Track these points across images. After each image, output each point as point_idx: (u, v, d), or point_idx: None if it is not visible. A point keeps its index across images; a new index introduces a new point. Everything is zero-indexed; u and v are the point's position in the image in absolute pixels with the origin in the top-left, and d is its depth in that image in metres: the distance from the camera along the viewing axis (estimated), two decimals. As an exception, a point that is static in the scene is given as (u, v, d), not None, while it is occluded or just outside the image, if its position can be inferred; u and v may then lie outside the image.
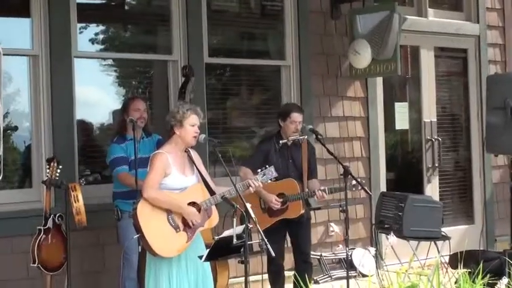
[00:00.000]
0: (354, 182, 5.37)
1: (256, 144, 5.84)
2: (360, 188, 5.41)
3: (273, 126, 6.83)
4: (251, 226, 4.29)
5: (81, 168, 5.73)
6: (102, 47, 6.26)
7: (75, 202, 4.90)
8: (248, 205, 4.31)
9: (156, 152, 4.57)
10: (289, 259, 5.73)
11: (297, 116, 5.47)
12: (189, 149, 4.64)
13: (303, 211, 5.43)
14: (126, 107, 5.33)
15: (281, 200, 5.39)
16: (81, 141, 5.83)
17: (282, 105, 6.28)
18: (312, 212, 5.89)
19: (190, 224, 4.44)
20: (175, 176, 4.49)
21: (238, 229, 4.24)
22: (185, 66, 5.78)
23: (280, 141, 5.48)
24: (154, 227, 4.37)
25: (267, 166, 4.72)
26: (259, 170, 4.71)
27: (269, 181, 4.76)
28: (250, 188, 4.63)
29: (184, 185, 4.52)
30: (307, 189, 5.47)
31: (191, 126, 4.52)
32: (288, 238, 5.63)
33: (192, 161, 4.62)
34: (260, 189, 5.25)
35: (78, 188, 4.96)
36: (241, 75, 6.95)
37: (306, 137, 5.54)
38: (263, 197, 5.41)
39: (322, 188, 5.41)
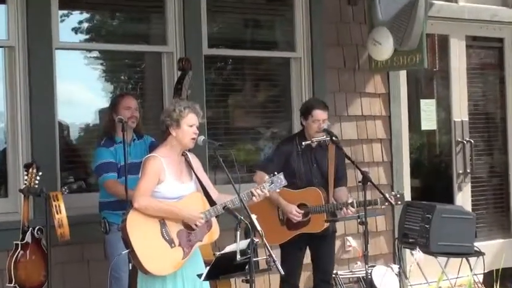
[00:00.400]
0: (386, 195, 5.29)
1: (276, 146, 5.83)
2: (386, 202, 5.33)
3: (281, 126, 6.86)
4: (257, 240, 4.30)
5: (63, 174, 5.75)
6: (87, 37, 6.28)
7: (57, 213, 4.91)
8: (253, 216, 4.32)
9: (149, 155, 4.59)
10: (303, 278, 5.73)
11: (319, 114, 5.44)
12: (187, 153, 4.66)
13: (327, 225, 5.41)
14: (114, 105, 5.35)
15: (302, 211, 5.39)
16: (63, 144, 5.84)
17: (304, 102, 6.25)
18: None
19: (194, 226, 4.46)
20: (170, 183, 4.50)
21: (243, 244, 4.25)
22: (181, 58, 5.79)
23: (303, 143, 5.46)
24: (146, 241, 4.38)
25: (275, 173, 4.72)
26: (266, 177, 4.71)
27: (277, 190, 4.76)
28: (254, 197, 4.62)
29: (181, 193, 4.53)
30: (333, 200, 5.43)
31: (189, 126, 4.54)
32: (308, 253, 5.61)
33: (190, 166, 4.63)
34: (279, 198, 5.28)
35: (60, 197, 4.97)
36: (245, 69, 6.96)
37: (330, 138, 5.46)
38: (282, 207, 5.42)
39: (350, 200, 5.36)
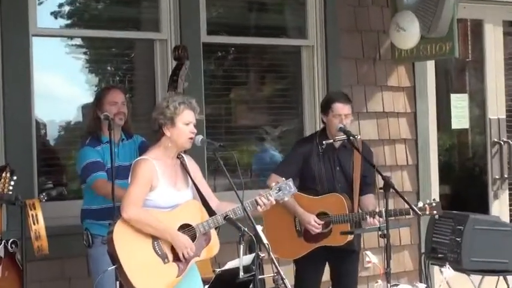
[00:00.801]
0: (419, 204, 5.27)
1: (294, 145, 5.82)
2: (414, 213, 5.29)
3: (290, 124, 6.85)
4: (263, 255, 4.30)
5: (41, 179, 5.77)
6: (69, 22, 6.29)
7: (33, 224, 4.91)
8: (259, 228, 4.32)
9: (140, 158, 4.59)
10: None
11: (340, 108, 5.43)
12: (183, 155, 4.66)
13: (350, 238, 5.40)
14: (99, 99, 5.34)
15: (322, 222, 5.38)
16: (41, 144, 5.86)
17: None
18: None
19: (181, 256, 4.46)
20: (163, 189, 4.51)
21: (246, 259, 4.25)
22: (177, 46, 5.80)
23: (324, 142, 5.46)
24: (136, 256, 4.39)
25: (284, 179, 4.72)
26: (273, 184, 4.71)
27: (286, 198, 4.76)
28: (259, 207, 4.61)
29: (176, 201, 4.54)
30: (358, 209, 5.39)
31: (185, 124, 4.54)
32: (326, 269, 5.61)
33: (186, 171, 4.63)
34: (296, 206, 5.28)
35: (37, 205, 4.97)
36: (249, 59, 6.97)
37: (359, 136, 5.46)
38: (299, 216, 5.42)
39: (377, 210, 5.33)
